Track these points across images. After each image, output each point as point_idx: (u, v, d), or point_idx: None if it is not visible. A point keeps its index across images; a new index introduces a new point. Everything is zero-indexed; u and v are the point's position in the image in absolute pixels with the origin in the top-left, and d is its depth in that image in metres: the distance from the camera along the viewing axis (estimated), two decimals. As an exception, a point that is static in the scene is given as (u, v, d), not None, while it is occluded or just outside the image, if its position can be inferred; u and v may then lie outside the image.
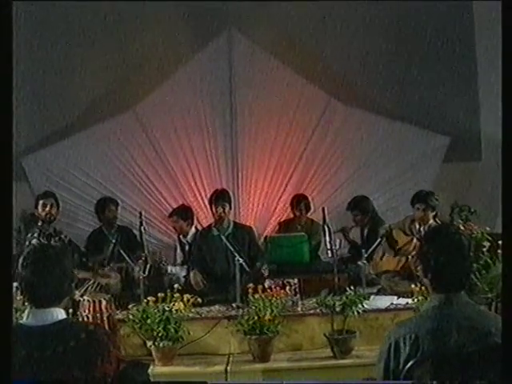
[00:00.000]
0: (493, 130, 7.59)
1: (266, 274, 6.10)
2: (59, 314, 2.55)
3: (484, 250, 5.70)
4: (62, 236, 6.11)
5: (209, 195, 6.78)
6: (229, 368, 4.90)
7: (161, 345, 4.94)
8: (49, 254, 2.56)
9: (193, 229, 6.98)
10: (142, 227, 5.88)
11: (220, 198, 6.42)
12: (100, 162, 7.77)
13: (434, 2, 7.62)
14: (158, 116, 7.85)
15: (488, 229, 6.03)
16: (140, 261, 5.77)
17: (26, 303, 2.62)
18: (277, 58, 7.79)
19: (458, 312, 2.57)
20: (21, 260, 2.53)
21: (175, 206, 7.31)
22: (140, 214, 5.97)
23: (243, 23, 7.77)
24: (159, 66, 7.77)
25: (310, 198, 7.48)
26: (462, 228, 5.97)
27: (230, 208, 6.45)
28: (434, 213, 6.12)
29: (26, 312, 2.56)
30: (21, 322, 2.55)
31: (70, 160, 7.73)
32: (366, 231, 7.05)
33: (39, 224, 6.14)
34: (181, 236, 7.00)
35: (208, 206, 7.47)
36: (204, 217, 7.69)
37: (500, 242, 5.44)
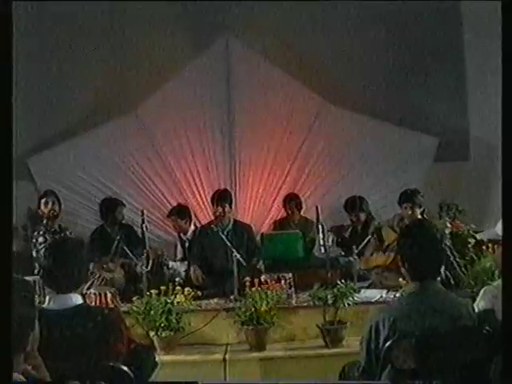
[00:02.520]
0: (480, 131, 7.83)
1: (262, 270, 6.20)
2: (77, 299, 2.86)
3: (469, 246, 6.01)
4: (67, 232, 6.34)
5: (208, 194, 6.95)
6: (227, 357, 5.08)
7: (163, 335, 5.12)
8: (68, 245, 2.87)
9: (192, 226, 7.14)
10: (144, 225, 5.99)
11: (220, 198, 6.56)
12: (103, 162, 7.91)
13: (422, 5, 7.69)
14: (158, 118, 8.00)
15: (474, 226, 6.30)
16: (142, 256, 5.92)
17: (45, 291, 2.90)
18: (272, 62, 7.94)
19: (431, 298, 2.88)
20: (43, 251, 2.84)
21: (174, 205, 7.47)
22: (142, 212, 6.10)
23: (240, 28, 7.91)
24: (159, 69, 7.90)
25: (301, 197, 7.65)
26: (449, 226, 6.28)
27: (231, 207, 6.59)
28: (421, 209, 6.32)
29: (47, 298, 2.86)
30: (43, 306, 2.86)
31: (73, 160, 7.86)
32: (359, 229, 7.17)
33: (44, 222, 6.38)
34: (181, 233, 7.16)
35: (207, 204, 7.75)
36: (203, 215, 7.89)
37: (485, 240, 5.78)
